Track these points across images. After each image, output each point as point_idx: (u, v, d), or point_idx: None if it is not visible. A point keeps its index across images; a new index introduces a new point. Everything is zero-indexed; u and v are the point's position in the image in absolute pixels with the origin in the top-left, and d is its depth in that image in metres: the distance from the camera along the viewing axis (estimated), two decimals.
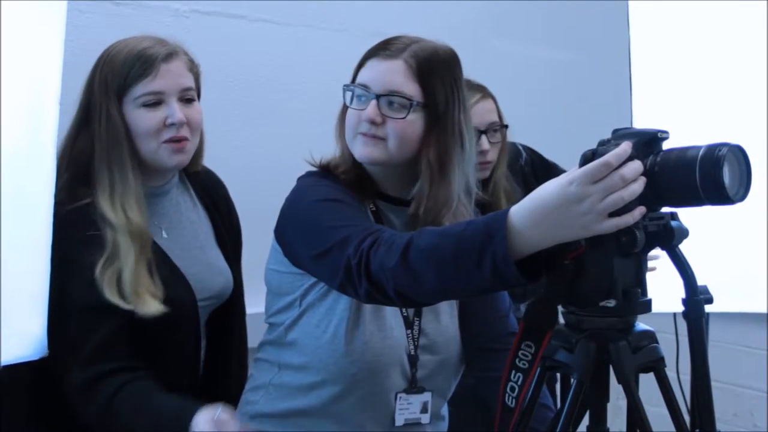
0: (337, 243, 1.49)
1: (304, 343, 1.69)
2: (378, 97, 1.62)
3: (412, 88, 1.63)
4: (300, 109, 2.69)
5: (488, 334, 1.77)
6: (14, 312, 1.52)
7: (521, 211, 1.28)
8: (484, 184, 2.36)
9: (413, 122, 1.63)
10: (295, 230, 1.65)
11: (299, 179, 1.73)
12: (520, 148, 2.58)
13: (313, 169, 1.73)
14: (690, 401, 1.36)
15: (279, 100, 2.72)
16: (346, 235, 1.48)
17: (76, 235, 1.67)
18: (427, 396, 1.73)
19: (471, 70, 2.43)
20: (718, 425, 1.34)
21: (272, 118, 2.72)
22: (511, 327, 1.77)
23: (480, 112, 2.34)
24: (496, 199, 2.35)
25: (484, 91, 2.39)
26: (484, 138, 2.34)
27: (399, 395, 1.70)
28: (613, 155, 1.23)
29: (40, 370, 1.64)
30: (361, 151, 1.65)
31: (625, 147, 1.24)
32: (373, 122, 1.62)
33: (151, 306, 1.67)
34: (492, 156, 2.36)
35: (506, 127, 2.41)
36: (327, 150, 1.74)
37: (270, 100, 2.74)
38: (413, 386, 1.72)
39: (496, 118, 2.39)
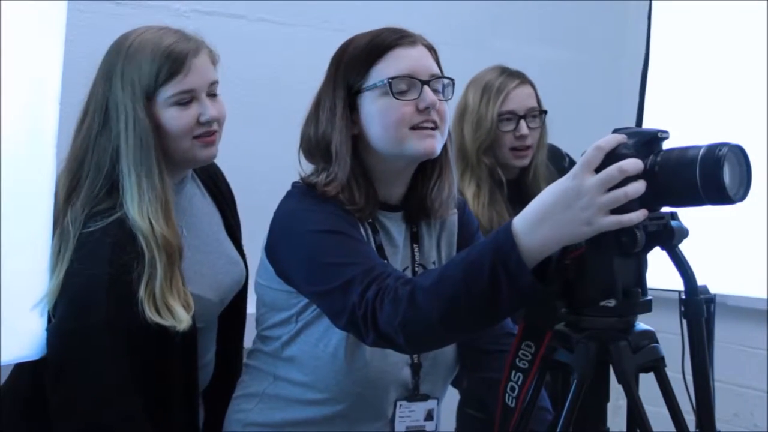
0: (339, 286, 1.44)
1: (304, 361, 1.64)
2: (428, 82, 1.58)
3: (439, 71, 1.63)
4: (300, 109, 2.67)
5: (485, 336, 1.73)
6: (14, 312, 1.52)
7: (524, 217, 1.28)
8: (524, 170, 2.37)
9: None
10: (291, 258, 1.59)
11: (289, 195, 1.66)
12: (564, 152, 2.58)
13: (300, 182, 1.66)
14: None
15: (279, 100, 2.71)
16: (348, 278, 1.44)
17: (119, 258, 1.62)
18: (432, 404, 1.69)
19: (471, 70, 2.45)
20: (719, 425, 1.34)
21: (272, 118, 2.71)
22: (508, 328, 1.74)
23: (519, 98, 2.35)
24: (535, 185, 2.32)
25: (522, 77, 2.39)
26: (523, 123, 2.33)
27: (399, 403, 1.66)
28: (601, 140, 1.24)
29: (41, 370, 1.64)
30: (424, 144, 1.57)
31: (615, 136, 1.25)
32: (433, 108, 1.56)
33: (183, 321, 1.63)
34: (531, 141, 2.35)
35: (545, 112, 2.40)
36: None
37: (270, 100, 2.74)
38: (416, 394, 1.68)
39: (535, 104, 2.38)
